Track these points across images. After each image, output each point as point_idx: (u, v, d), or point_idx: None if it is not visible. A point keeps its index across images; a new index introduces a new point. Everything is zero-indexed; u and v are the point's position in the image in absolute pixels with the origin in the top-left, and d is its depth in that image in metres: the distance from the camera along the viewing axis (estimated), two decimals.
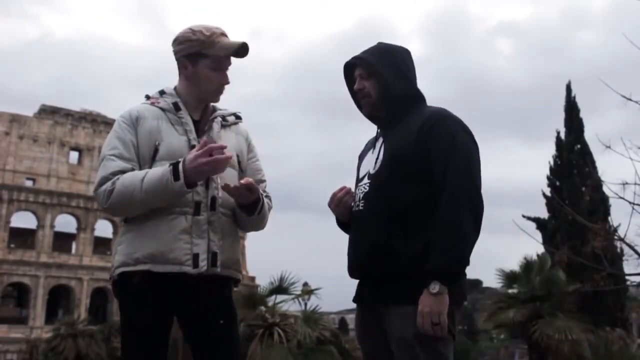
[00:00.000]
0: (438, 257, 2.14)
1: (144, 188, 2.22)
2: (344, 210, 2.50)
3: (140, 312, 2.32)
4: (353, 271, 2.43)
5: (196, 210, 2.32)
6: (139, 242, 2.29)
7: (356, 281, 2.46)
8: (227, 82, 2.47)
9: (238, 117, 2.61)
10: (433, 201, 2.23)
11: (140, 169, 2.33)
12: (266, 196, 2.52)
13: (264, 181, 2.60)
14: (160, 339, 2.36)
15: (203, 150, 2.19)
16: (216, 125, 2.49)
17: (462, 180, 2.21)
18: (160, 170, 2.24)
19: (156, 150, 2.34)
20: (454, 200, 2.18)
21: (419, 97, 2.47)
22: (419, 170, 2.28)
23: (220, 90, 2.49)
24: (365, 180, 2.42)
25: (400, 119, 2.40)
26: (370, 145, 2.56)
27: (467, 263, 2.20)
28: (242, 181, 2.31)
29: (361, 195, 2.41)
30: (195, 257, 2.28)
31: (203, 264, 2.29)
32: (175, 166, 2.21)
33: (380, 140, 2.46)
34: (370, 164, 2.45)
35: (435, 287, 2.13)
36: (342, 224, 2.55)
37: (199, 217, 2.32)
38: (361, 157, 2.60)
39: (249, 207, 2.39)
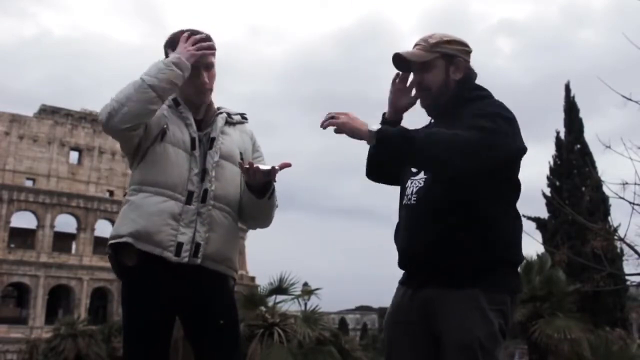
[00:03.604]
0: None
1: (143, 74, 2.30)
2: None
3: (141, 302, 2.35)
4: (407, 263, 2.38)
5: (188, 199, 2.36)
6: (128, 218, 2.35)
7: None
8: (205, 83, 2.48)
9: (244, 117, 2.65)
10: (495, 191, 2.25)
11: (146, 145, 2.38)
12: None
13: None
14: (162, 333, 2.38)
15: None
16: (220, 120, 2.53)
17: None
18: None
19: (164, 132, 2.38)
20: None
21: (481, 90, 2.42)
22: None
23: (200, 91, 2.50)
24: (421, 176, 2.37)
25: (457, 112, 2.32)
26: None
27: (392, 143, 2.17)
28: (261, 166, 2.35)
29: (414, 190, 2.37)
30: (179, 246, 2.31)
31: (185, 255, 2.31)
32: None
33: None
34: None
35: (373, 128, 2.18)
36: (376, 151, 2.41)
37: (189, 207, 2.36)
38: None
39: (260, 190, 2.41)
